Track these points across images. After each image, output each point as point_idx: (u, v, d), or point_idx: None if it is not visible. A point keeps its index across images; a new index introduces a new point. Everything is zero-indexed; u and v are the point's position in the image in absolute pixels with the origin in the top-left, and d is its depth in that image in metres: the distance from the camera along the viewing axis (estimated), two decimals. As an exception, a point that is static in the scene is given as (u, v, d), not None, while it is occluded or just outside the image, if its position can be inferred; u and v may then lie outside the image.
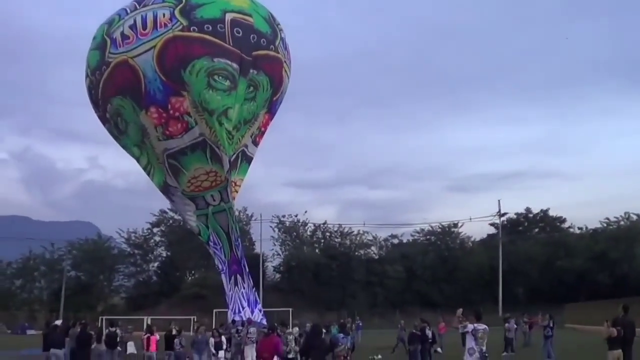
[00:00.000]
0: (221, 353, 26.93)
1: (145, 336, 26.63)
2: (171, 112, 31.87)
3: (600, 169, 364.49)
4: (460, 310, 17.95)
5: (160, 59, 30.85)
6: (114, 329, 30.36)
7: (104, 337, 29.06)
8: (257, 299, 36.31)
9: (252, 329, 28.51)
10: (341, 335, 19.98)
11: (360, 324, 51.74)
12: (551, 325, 32.25)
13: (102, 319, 56.13)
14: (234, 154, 33.24)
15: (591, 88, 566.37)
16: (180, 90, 31.46)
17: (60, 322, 32.06)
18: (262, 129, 36.03)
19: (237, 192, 35.78)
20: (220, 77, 31.30)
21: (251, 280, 35.74)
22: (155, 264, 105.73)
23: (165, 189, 35.56)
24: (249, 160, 36.00)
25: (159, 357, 27.49)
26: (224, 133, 31.97)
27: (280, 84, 35.14)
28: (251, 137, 35.25)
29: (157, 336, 27.17)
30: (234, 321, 28.32)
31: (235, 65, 31.53)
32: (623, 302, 24.16)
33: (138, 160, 35.47)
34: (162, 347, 28.44)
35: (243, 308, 33.87)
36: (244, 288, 34.83)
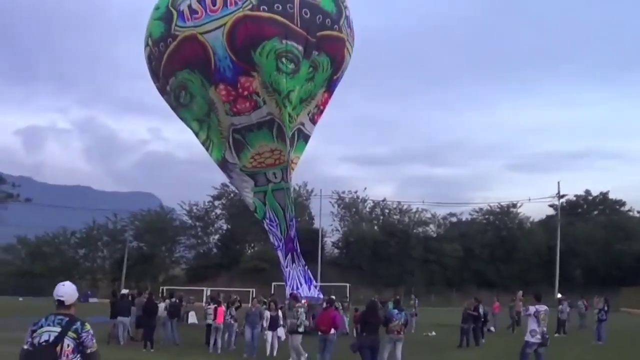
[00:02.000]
0: (280, 330, 26.12)
1: (213, 307, 27.19)
2: (240, 90, 32.04)
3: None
4: (520, 293, 18.57)
5: (231, 38, 30.84)
6: (175, 299, 31.36)
7: (167, 307, 30.03)
8: (311, 276, 36.79)
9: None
10: (396, 311, 20.66)
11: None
12: (605, 308, 32.58)
13: (162, 289, 57.30)
14: (291, 132, 33.57)
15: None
16: (250, 70, 31.55)
17: (127, 291, 33.03)
18: (321, 107, 36.12)
19: (293, 169, 35.98)
20: (286, 60, 31.43)
21: (303, 260, 36.12)
22: (216, 237, 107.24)
23: (224, 165, 35.77)
24: (305, 138, 36.18)
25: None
26: (286, 115, 32.35)
27: (341, 63, 35.16)
28: (308, 115, 35.37)
29: (224, 307, 27.71)
30: (293, 295, 28.85)
31: (300, 48, 31.64)
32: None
33: (197, 135, 35.67)
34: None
35: (301, 285, 34.39)
36: (300, 266, 35.32)
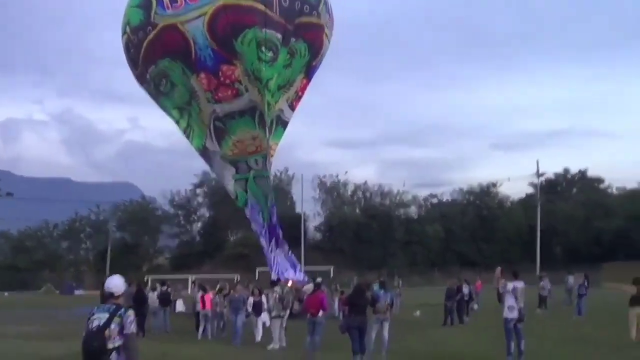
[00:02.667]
0: (264, 315, 25.83)
1: (200, 294, 27.48)
2: (222, 79, 32.21)
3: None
4: (499, 270, 19.13)
5: (212, 27, 30.92)
6: (165, 288, 31.75)
7: (157, 296, 30.44)
8: (296, 261, 37.08)
9: (306, 287, 29.59)
10: (382, 292, 21.22)
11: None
12: (586, 284, 33.34)
13: (148, 279, 57.62)
14: (270, 119, 33.74)
15: (636, 49, 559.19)
16: (232, 59, 31.70)
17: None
18: (300, 93, 36.22)
19: (272, 156, 36.07)
20: (265, 48, 31.64)
21: (287, 246, 36.36)
22: (199, 225, 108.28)
23: (205, 153, 35.81)
24: (284, 124, 36.26)
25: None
26: (266, 103, 32.61)
27: (319, 49, 35.28)
28: (287, 101, 35.46)
29: (210, 295, 28.01)
30: (277, 280, 29.15)
31: (279, 36, 31.81)
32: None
33: (177, 123, 35.61)
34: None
35: (286, 270, 34.72)
36: (283, 252, 35.62)
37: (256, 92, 32.37)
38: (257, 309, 25.39)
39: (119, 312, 8.11)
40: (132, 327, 8.16)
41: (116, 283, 8.55)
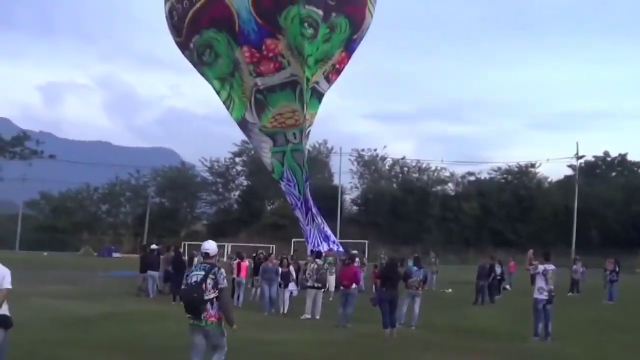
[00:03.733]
0: (291, 285, 26.15)
1: (236, 262, 27.71)
2: (265, 52, 32.31)
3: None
4: (531, 252, 19.42)
5: (257, 1, 31.19)
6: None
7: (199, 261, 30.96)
8: (330, 234, 37.21)
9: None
10: (415, 268, 21.62)
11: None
12: (617, 269, 33.40)
13: (184, 245, 58.24)
14: (308, 94, 33.74)
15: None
16: (275, 33, 31.84)
17: (157, 246, 33.88)
18: (337, 66, 35.99)
19: (307, 127, 35.92)
20: (306, 24, 31.75)
21: (320, 219, 36.45)
22: (237, 193, 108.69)
23: (243, 124, 35.85)
24: (319, 96, 36.00)
25: (247, 282, 28.63)
26: (305, 79, 32.75)
27: (361, 23, 35.01)
28: (323, 73, 35.40)
29: (247, 262, 28.31)
30: (313, 252, 29.37)
31: (320, 12, 31.71)
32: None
33: (218, 94, 35.67)
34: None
35: (321, 242, 34.95)
36: (319, 225, 35.82)
37: (298, 66, 32.48)
38: (285, 280, 25.45)
39: (213, 270, 10.25)
40: (224, 282, 10.33)
41: (211, 246, 10.67)
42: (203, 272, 10.22)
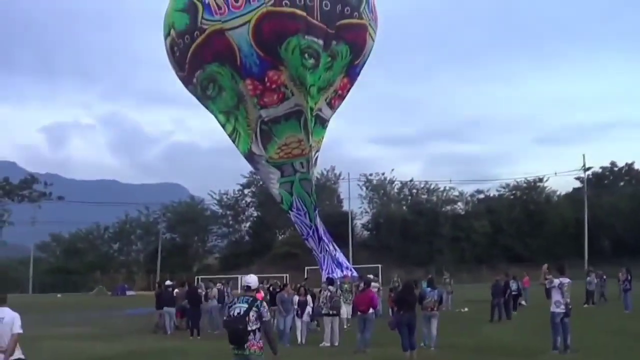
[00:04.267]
0: (305, 316, 25.72)
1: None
2: (268, 84, 32.23)
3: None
4: (545, 266, 19.54)
5: (256, 34, 30.71)
6: (221, 287, 32.38)
7: (214, 295, 31.07)
8: (344, 259, 37.08)
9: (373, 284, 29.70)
10: (429, 289, 21.77)
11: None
12: (629, 278, 33.51)
13: (198, 279, 58.33)
14: (312, 123, 33.74)
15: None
16: (278, 65, 31.85)
17: (171, 283, 34.04)
18: (340, 91, 35.81)
19: (312, 155, 35.78)
20: (307, 55, 31.79)
21: (332, 246, 36.27)
22: (247, 224, 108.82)
23: (250, 157, 35.72)
24: (322, 122, 35.78)
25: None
26: (309, 109, 32.81)
27: (362, 49, 34.93)
28: (326, 100, 35.38)
29: (262, 293, 28.39)
30: (329, 279, 29.33)
31: (320, 42, 31.63)
32: None
33: (224, 127, 35.70)
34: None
35: (335, 269, 34.81)
36: (332, 252, 35.71)
37: (302, 97, 32.50)
38: (302, 308, 25.38)
39: (256, 303, 10.89)
40: (267, 315, 11.06)
41: (252, 279, 11.46)
42: (246, 305, 10.84)
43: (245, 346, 10.75)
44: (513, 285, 33.29)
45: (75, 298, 72.35)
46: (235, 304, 11.03)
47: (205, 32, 32.21)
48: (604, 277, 39.34)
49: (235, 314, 10.79)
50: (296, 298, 25.52)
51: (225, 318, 11.35)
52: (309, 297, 26.65)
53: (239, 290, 37.86)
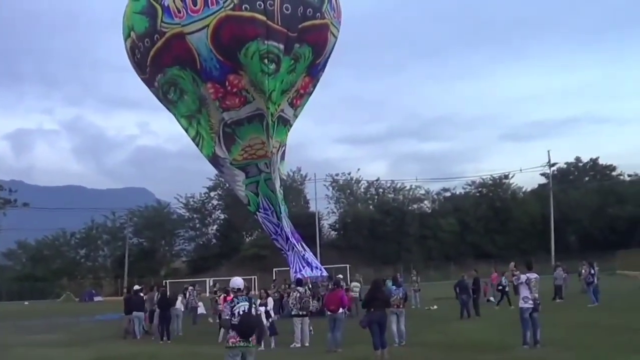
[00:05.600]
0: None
1: (222, 296, 27.61)
2: (229, 88, 31.79)
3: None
4: (512, 264, 19.73)
5: (215, 39, 30.12)
6: (189, 292, 32.25)
7: (182, 300, 30.93)
8: (313, 259, 36.97)
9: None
10: (394, 287, 22.04)
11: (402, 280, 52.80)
12: (592, 272, 33.91)
13: (166, 283, 58.17)
14: (273, 125, 33.51)
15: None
16: (237, 69, 31.57)
17: (140, 287, 33.80)
18: (301, 91, 35.64)
19: (274, 154, 35.68)
20: (267, 61, 31.48)
21: (300, 246, 36.16)
22: (214, 227, 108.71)
23: (215, 160, 35.34)
24: (285, 122, 35.36)
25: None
26: (269, 115, 32.53)
27: (324, 47, 34.48)
28: (287, 100, 35.32)
29: (231, 296, 28.12)
30: (298, 280, 29.25)
31: (281, 46, 31.24)
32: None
33: (186, 131, 35.47)
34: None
35: (303, 267, 34.69)
36: (304, 250, 35.58)
37: (262, 102, 32.30)
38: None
39: (252, 300, 12.32)
40: (259, 310, 12.32)
41: (240, 281, 12.55)
42: (247, 302, 11.99)
43: (250, 339, 11.77)
44: (504, 281, 35.02)
45: (42, 305, 71.70)
46: (238, 303, 11.96)
47: (165, 36, 31.59)
48: (567, 272, 39.78)
49: (241, 311, 11.80)
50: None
51: (229, 317, 11.92)
52: (269, 300, 26.89)
53: (208, 294, 37.73)
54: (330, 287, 24.02)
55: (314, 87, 36.43)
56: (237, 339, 11.76)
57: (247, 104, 32.13)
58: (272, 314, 25.98)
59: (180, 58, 31.93)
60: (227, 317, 11.98)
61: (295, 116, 36.18)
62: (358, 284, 36.89)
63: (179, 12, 30.62)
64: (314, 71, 35.37)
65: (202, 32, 30.51)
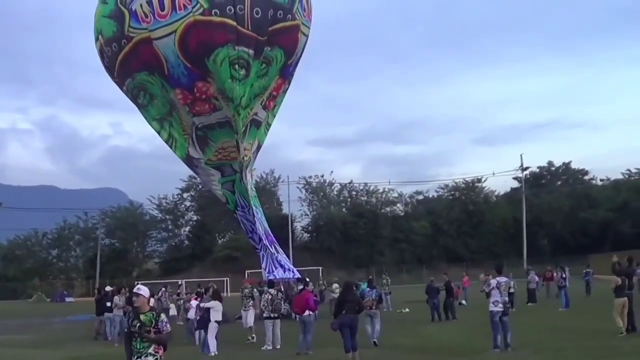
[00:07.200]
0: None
1: (197, 299, 27.41)
2: (197, 94, 31.51)
3: (624, 119, 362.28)
4: (482, 275, 19.95)
5: (183, 45, 29.42)
6: (161, 294, 32.07)
7: (155, 302, 30.70)
8: (286, 260, 36.86)
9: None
10: (368, 289, 22.18)
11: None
12: (563, 276, 34.22)
13: (137, 284, 57.93)
14: (243, 128, 33.26)
15: (616, 36, 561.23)
16: (205, 76, 31.16)
17: (112, 288, 33.59)
18: (274, 93, 35.50)
19: (247, 157, 35.49)
20: (237, 66, 31.04)
21: (274, 249, 36.06)
22: (187, 229, 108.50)
23: (189, 161, 35.08)
24: (257, 124, 35.31)
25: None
26: (240, 122, 32.18)
27: (294, 48, 34.16)
28: (261, 104, 35.12)
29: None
30: (270, 282, 29.17)
31: (251, 51, 30.77)
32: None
33: (159, 134, 35.16)
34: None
35: (275, 268, 34.61)
36: (277, 252, 35.49)
37: (230, 110, 31.91)
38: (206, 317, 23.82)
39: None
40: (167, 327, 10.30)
41: (145, 290, 10.41)
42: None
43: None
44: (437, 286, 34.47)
45: (14, 306, 71.26)
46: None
47: (132, 41, 30.92)
48: (539, 276, 39.96)
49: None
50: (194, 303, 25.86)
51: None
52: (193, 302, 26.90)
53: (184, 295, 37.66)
54: (297, 289, 23.94)
55: (289, 84, 36.32)
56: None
57: (217, 111, 31.71)
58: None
59: (148, 63, 31.36)
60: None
61: (273, 115, 36.04)
62: (338, 285, 36.95)
63: (146, 16, 30.01)
64: (286, 72, 35.18)
65: (169, 38, 29.88)
